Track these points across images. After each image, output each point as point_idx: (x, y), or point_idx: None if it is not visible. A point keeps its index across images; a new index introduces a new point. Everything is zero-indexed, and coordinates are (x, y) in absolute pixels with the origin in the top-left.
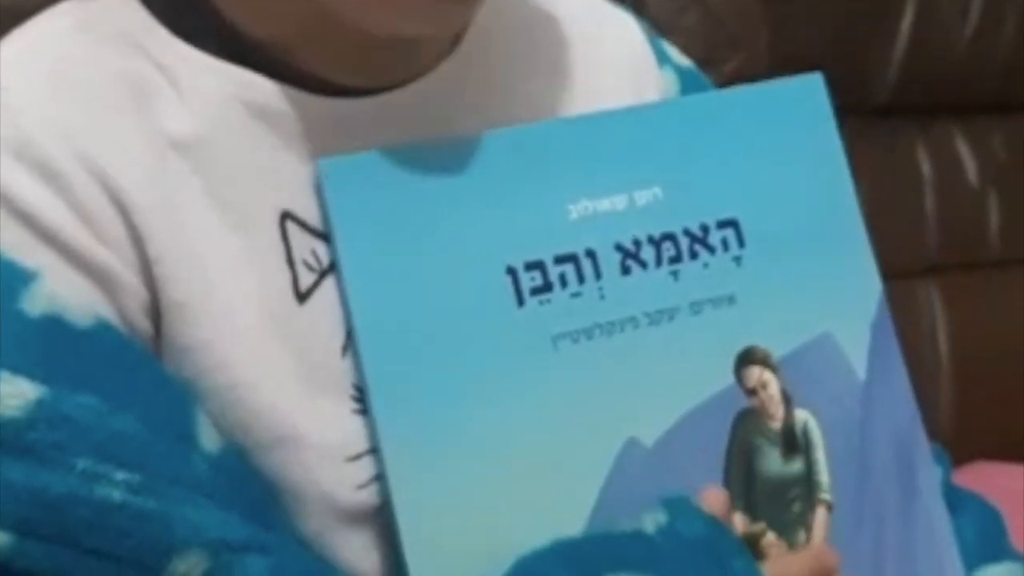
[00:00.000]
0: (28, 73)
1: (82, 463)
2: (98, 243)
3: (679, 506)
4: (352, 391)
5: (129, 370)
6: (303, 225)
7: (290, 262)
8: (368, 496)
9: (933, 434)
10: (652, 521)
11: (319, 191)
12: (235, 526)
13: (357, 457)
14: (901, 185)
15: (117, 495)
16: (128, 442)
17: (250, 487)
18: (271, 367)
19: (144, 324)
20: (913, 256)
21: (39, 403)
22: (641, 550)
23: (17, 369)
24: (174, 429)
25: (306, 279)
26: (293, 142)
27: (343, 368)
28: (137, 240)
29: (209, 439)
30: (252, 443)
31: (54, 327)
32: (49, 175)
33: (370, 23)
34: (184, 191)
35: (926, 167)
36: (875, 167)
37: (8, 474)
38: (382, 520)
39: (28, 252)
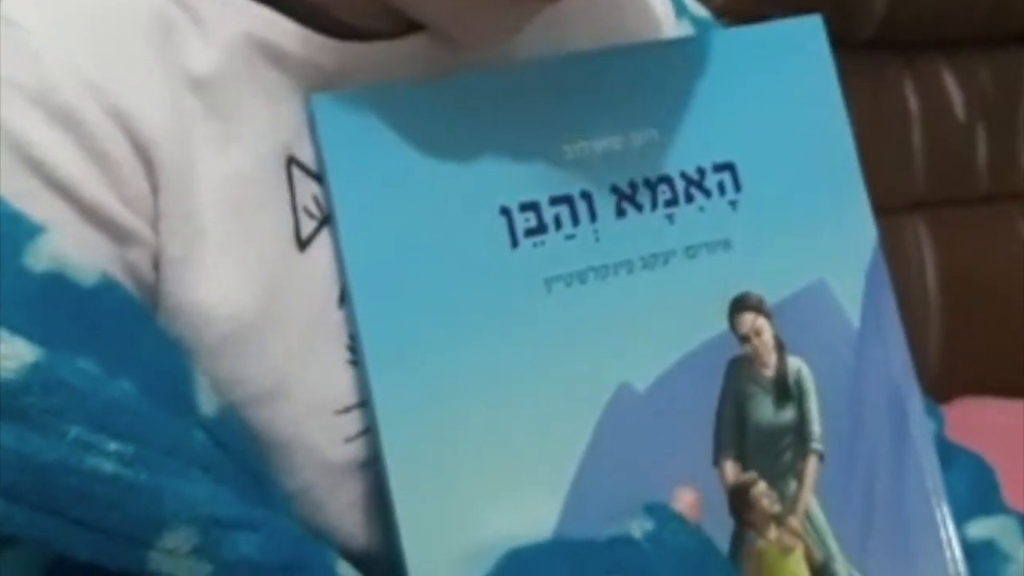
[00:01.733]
0: (49, 13)
1: (75, 431)
2: (116, 197)
3: (663, 514)
4: (347, 341)
5: (131, 332)
6: (306, 171)
7: (293, 208)
8: (356, 450)
9: (921, 370)
10: (638, 527)
11: (311, 128)
12: (227, 502)
13: (347, 410)
14: (888, 120)
15: (108, 466)
16: (124, 412)
17: (246, 452)
18: (264, 319)
19: (152, 278)
20: (900, 191)
21: (35, 367)
22: (631, 557)
23: (16, 328)
24: (173, 394)
25: (307, 226)
26: (304, 86)
27: (339, 319)
28: (155, 191)
29: (208, 402)
30: (241, 398)
31: (57, 285)
32: (70, 124)
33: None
34: (195, 135)
35: (913, 102)
36: (861, 103)
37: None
38: (370, 475)
39: (37, 203)
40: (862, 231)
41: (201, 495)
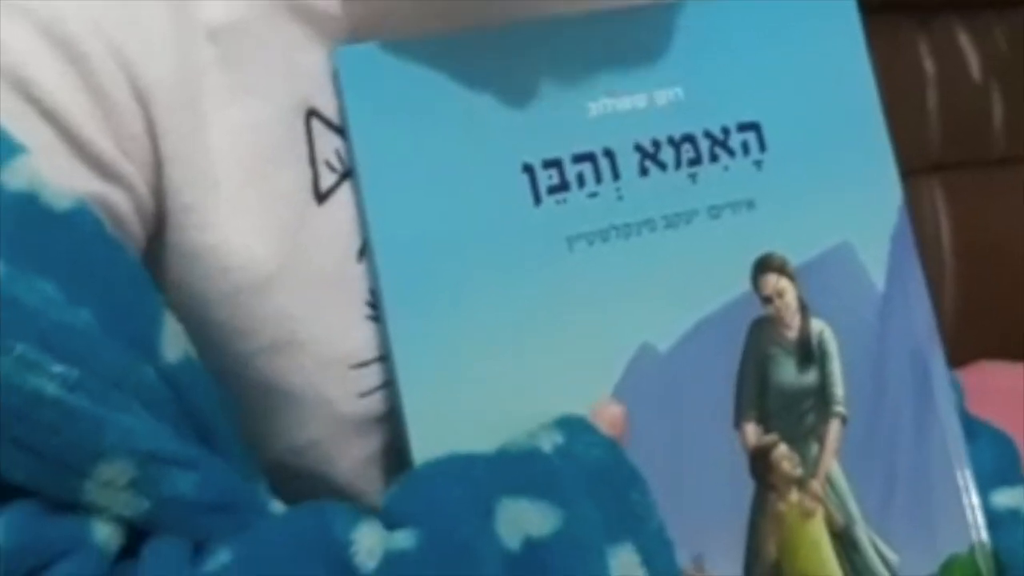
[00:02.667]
0: None
1: (20, 348)
2: (109, 135)
3: (576, 427)
4: (367, 296)
5: (99, 262)
6: (328, 123)
7: (312, 161)
8: (371, 404)
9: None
10: (549, 441)
11: (335, 81)
12: (166, 439)
13: (364, 364)
14: (903, 82)
15: (51, 388)
16: (74, 336)
17: (204, 403)
18: (282, 270)
19: (135, 228)
20: (916, 154)
21: None
22: (539, 473)
23: None
24: (131, 331)
25: (327, 179)
26: (328, 39)
27: (358, 273)
28: (154, 137)
29: (172, 349)
30: (256, 348)
31: (29, 206)
32: (73, 56)
33: None
34: (210, 84)
35: (928, 63)
36: (876, 64)
37: None
38: (386, 430)
39: (25, 126)
40: (888, 193)
41: (142, 429)
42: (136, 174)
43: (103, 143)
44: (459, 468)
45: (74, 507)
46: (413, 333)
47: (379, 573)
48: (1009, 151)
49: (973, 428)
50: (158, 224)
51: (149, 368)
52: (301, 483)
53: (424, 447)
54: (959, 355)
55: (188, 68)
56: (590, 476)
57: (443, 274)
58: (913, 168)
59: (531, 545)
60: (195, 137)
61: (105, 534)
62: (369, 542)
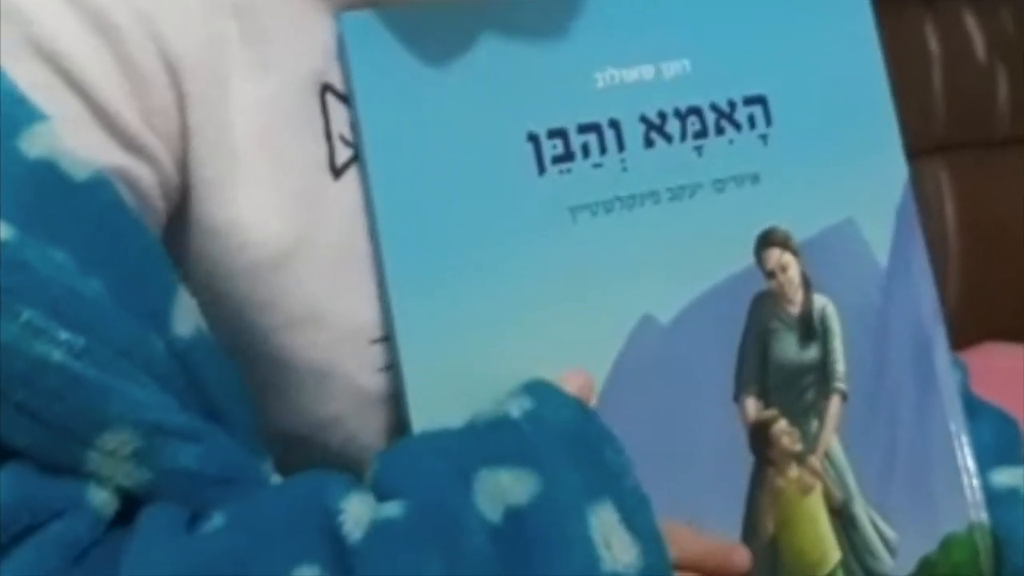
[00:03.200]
0: None
1: (28, 314)
2: (136, 107)
3: (544, 391)
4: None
5: (114, 234)
6: (342, 98)
7: (328, 136)
8: (390, 379)
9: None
10: (517, 406)
11: (340, 47)
12: (172, 411)
13: (383, 339)
14: (908, 62)
15: (57, 355)
16: (84, 305)
17: (214, 378)
18: (299, 245)
19: (157, 202)
20: (921, 134)
21: (2, 244)
22: (511, 441)
23: None
24: (143, 304)
25: (343, 154)
26: (339, 10)
27: (374, 247)
28: (182, 108)
29: (184, 322)
30: (276, 323)
31: (47, 174)
32: (103, 27)
33: None
34: (229, 58)
35: (933, 44)
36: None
37: None
38: (403, 406)
39: (54, 96)
40: (893, 170)
41: (148, 401)
42: (161, 147)
43: (130, 116)
44: (441, 441)
45: (72, 470)
46: (416, 310)
47: (365, 542)
48: (1014, 132)
49: (975, 408)
50: (181, 198)
51: (159, 341)
52: (317, 457)
53: (426, 424)
54: (963, 336)
55: (214, 41)
56: (563, 438)
57: (446, 242)
58: (918, 148)
59: (512, 514)
60: (219, 111)
61: (101, 498)
62: (358, 511)
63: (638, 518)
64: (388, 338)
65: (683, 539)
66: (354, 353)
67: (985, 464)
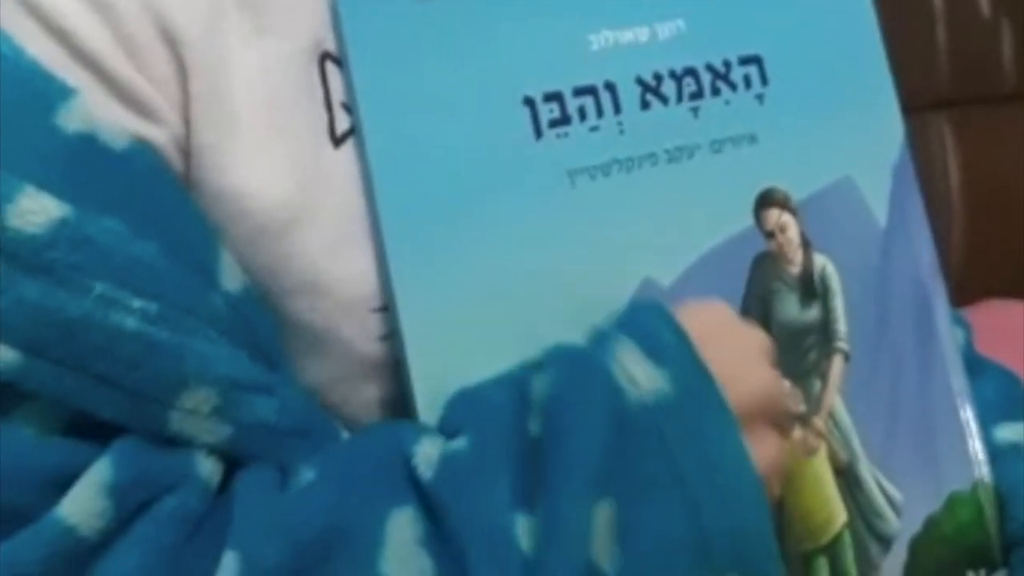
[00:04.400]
0: None
1: (100, 287)
2: (141, 76)
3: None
4: None
5: (158, 198)
6: (342, 66)
7: (328, 104)
8: (390, 348)
9: (943, 272)
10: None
11: (333, 12)
12: (245, 365)
13: (383, 309)
14: (912, 18)
15: (132, 323)
16: (147, 270)
17: (264, 331)
18: (301, 213)
19: (177, 163)
20: (924, 89)
21: (62, 222)
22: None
23: (43, 185)
24: (196, 262)
25: (343, 122)
26: None
27: (371, 215)
28: (183, 76)
29: (231, 278)
30: (277, 289)
31: (88, 146)
32: (98, 5)
33: None
34: (228, 26)
35: None
36: None
37: (23, 292)
38: (401, 374)
39: (66, 71)
40: (890, 127)
41: (221, 356)
42: (171, 112)
43: (138, 81)
44: (501, 377)
45: (176, 441)
46: (414, 270)
47: (436, 478)
48: (1018, 88)
49: (979, 365)
50: (186, 165)
51: (217, 297)
52: None
53: (427, 395)
54: (967, 293)
55: (213, 9)
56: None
57: (445, 209)
58: (921, 104)
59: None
60: (219, 79)
61: (208, 468)
62: (428, 452)
63: (663, 348)
64: (388, 307)
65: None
66: (354, 321)
67: (988, 420)
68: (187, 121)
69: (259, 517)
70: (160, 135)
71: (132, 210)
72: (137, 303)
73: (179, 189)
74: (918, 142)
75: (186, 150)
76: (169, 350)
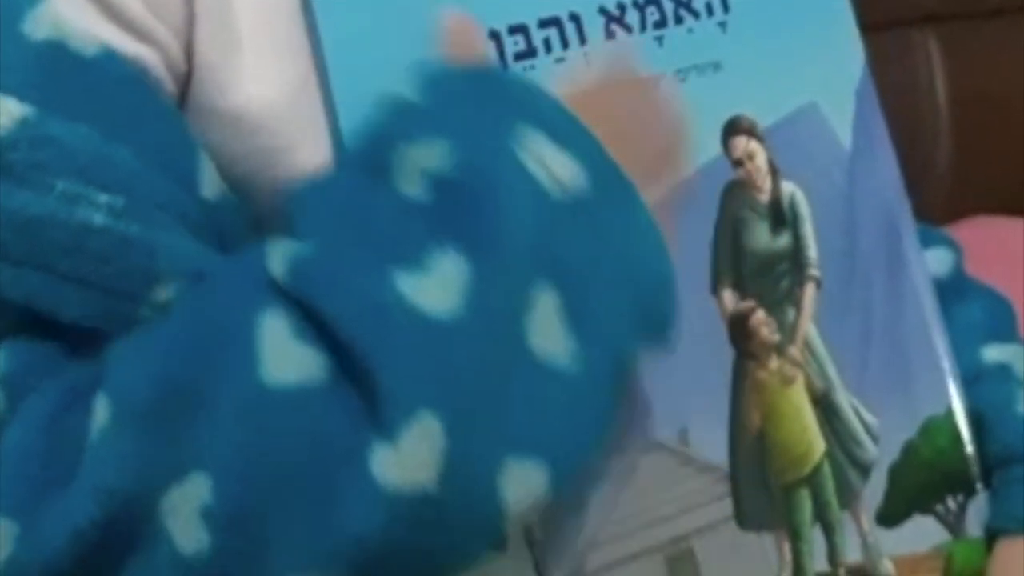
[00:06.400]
0: None
1: (62, 184)
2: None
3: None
4: None
5: (131, 104)
6: None
7: None
8: None
9: (931, 188)
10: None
11: None
12: (215, 261)
13: None
14: None
15: (98, 218)
16: (115, 167)
17: (236, 239)
18: (306, 129)
19: (169, 86)
20: (910, 4)
21: (23, 122)
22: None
23: (8, 90)
24: (170, 168)
25: None
26: None
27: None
28: None
29: (210, 186)
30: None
31: (56, 52)
32: None
33: None
34: None
35: None
36: None
37: None
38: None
39: None
40: (850, 52)
41: (191, 251)
42: (168, 34)
43: (134, 4)
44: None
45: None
46: None
47: (292, 273)
48: (1005, 2)
49: (967, 288)
50: (185, 85)
51: (190, 200)
52: None
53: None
54: (955, 209)
55: None
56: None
57: None
58: (907, 19)
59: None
60: None
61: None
62: (279, 252)
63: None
64: None
65: None
66: None
67: (977, 339)
68: (192, 42)
69: (127, 357)
70: (154, 59)
71: (104, 116)
72: (103, 198)
73: (155, 97)
74: (904, 57)
75: (186, 75)
76: (138, 244)
